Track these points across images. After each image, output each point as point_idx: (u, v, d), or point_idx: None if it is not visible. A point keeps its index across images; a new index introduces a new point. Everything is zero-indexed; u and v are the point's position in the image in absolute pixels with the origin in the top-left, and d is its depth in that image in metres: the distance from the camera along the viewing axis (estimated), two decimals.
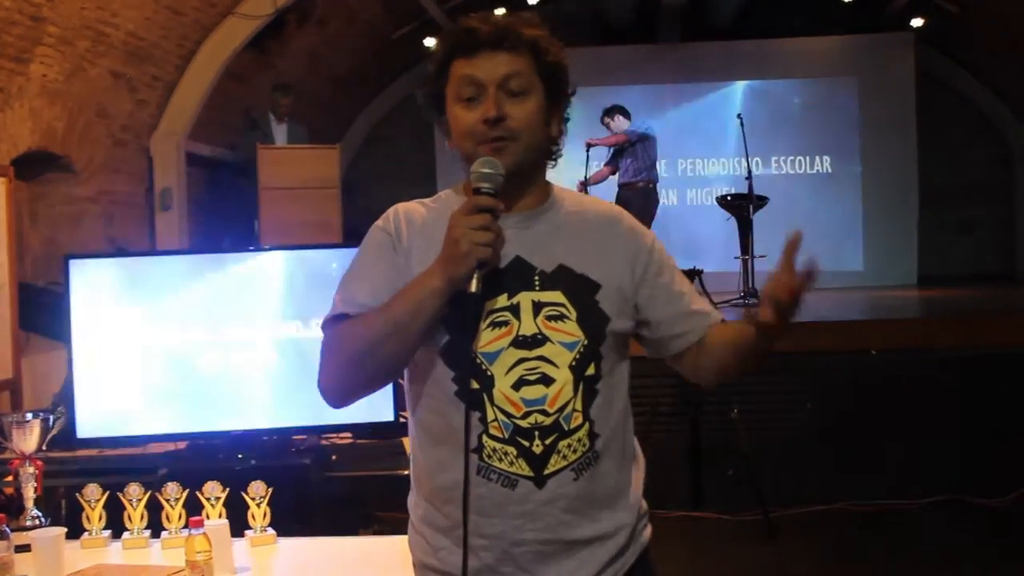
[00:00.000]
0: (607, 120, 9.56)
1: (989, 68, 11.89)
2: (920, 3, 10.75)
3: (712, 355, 2.02)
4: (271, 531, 2.90)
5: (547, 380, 1.88)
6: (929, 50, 11.83)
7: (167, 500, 2.89)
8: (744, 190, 9.03)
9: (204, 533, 2.46)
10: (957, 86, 12.29)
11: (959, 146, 12.32)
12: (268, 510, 2.90)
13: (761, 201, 8.99)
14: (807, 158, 11.70)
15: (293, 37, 9.78)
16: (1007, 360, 6.50)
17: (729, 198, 9.24)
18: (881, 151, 11.57)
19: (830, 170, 11.70)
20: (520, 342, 1.89)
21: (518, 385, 1.88)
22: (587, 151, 9.52)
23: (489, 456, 1.88)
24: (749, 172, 9.06)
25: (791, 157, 11.69)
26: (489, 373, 1.88)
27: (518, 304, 1.90)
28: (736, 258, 9.02)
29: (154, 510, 2.92)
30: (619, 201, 9.30)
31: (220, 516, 2.81)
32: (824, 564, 5.42)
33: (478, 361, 1.88)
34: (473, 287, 1.80)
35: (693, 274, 6.57)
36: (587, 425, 1.91)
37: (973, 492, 6.19)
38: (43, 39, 6.41)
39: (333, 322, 1.95)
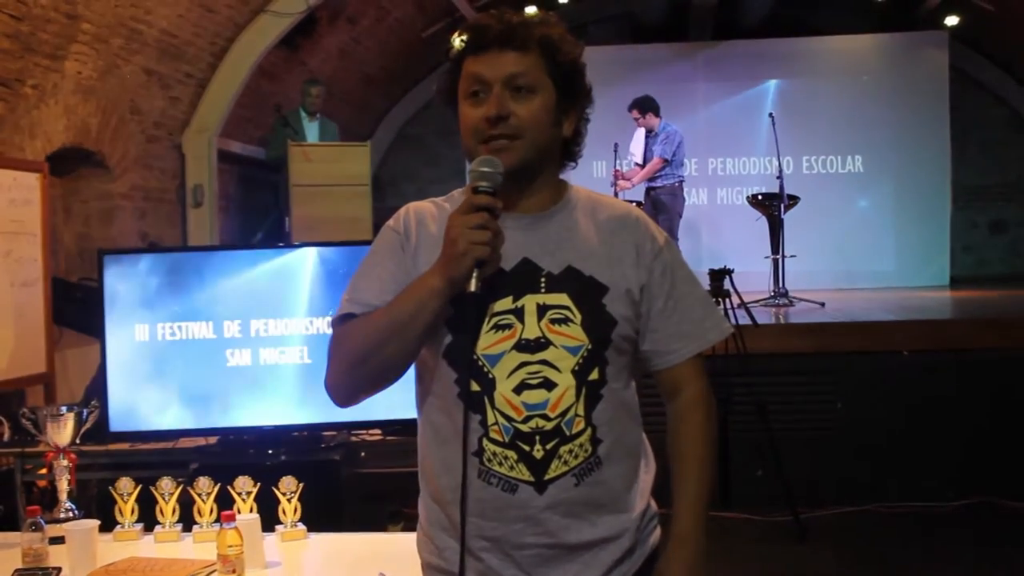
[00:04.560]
0: (637, 115, 9.50)
1: None
2: (955, 1, 10.65)
3: (673, 437, 2.03)
4: (301, 526, 2.92)
5: (549, 384, 1.86)
6: (963, 48, 11.71)
7: (199, 494, 2.91)
8: (775, 189, 8.98)
9: (235, 527, 2.49)
10: (991, 85, 12.17)
11: (993, 145, 12.20)
12: (299, 505, 2.92)
13: (792, 200, 8.94)
14: (838, 157, 11.60)
15: (324, 35, 9.81)
16: None
17: (760, 197, 9.18)
18: (913, 150, 11.45)
19: (862, 169, 11.60)
20: (523, 345, 1.87)
21: (519, 389, 1.86)
22: (615, 150, 9.50)
23: (489, 460, 1.87)
24: (780, 171, 9.01)
25: (822, 156, 11.59)
26: (491, 376, 1.87)
27: (522, 307, 1.88)
28: (766, 258, 8.98)
29: (186, 504, 2.94)
30: (649, 202, 9.29)
31: (251, 511, 2.83)
32: (855, 566, 5.39)
33: (479, 363, 1.87)
34: (473, 287, 1.78)
35: (724, 273, 6.52)
36: (589, 431, 1.88)
37: (1005, 495, 6.14)
38: (78, 36, 6.47)
39: (340, 321, 1.95)
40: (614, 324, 1.90)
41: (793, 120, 10.86)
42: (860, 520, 6.04)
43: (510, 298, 1.88)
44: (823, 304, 8.54)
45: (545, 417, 1.86)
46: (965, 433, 6.32)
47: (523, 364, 1.86)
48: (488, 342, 1.87)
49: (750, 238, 9.73)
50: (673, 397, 2.03)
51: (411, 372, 1.98)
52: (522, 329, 1.87)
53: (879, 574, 5.31)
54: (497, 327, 1.87)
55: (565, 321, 1.88)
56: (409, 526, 4.05)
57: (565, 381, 1.87)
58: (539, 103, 1.89)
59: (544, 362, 1.86)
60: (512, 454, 1.86)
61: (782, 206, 8.88)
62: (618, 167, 9.63)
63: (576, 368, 1.87)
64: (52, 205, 6.30)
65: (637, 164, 9.70)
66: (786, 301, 8.67)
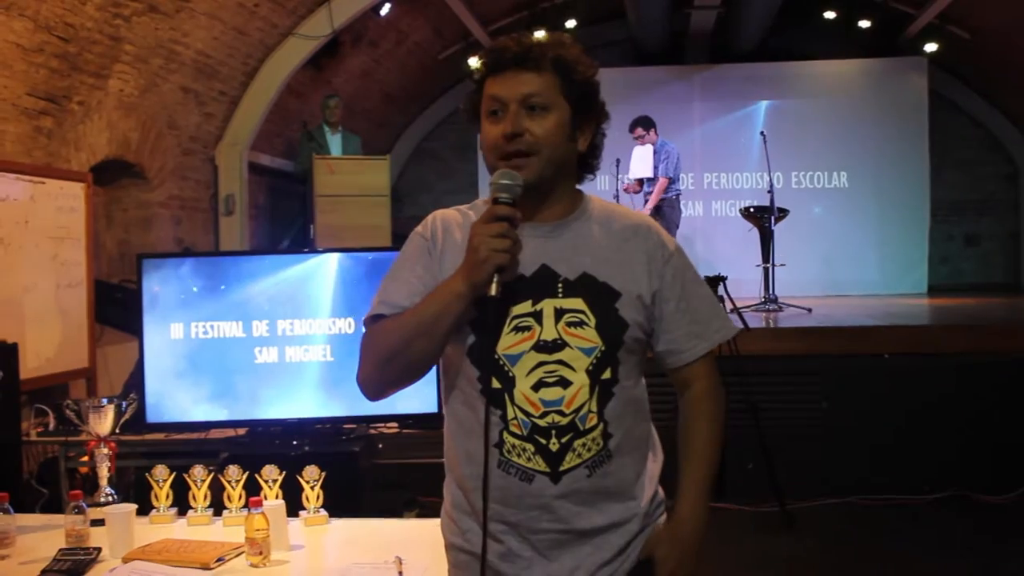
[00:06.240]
0: (641, 132, 9.49)
1: (998, 91, 11.76)
2: (933, 29, 10.66)
3: (683, 424, 2.05)
4: (323, 512, 2.92)
5: (565, 383, 1.87)
6: (941, 73, 11.71)
7: (228, 481, 2.91)
8: (766, 203, 8.96)
9: (262, 512, 2.50)
10: (968, 107, 12.16)
11: (969, 164, 12.19)
12: (321, 492, 2.92)
13: (782, 213, 8.93)
14: (825, 173, 11.60)
15: (347, 56, 9.83)
16: (1011, 366, 6.41)
17: (752, 210, 9.16)
18: (895, 167, 11.44)
19: (847, 185, 11.59)
20: (541, 346, 1.87)
21: (537, 386, 1.86)
22: (617, 165, 9.49)
23: (509, 452, 1.88)
24: (771, 186, 9.00)
25: (810, 172, 11.59)
26: (511, 374, 1.87)
27: (541, 310, 1.88)
28: (757, 266, 8.96)
29: (216, 490, 2.95)
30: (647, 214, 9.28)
31: (277, 497, 2.83)
32: (837, 553, 5.37)
33: (500, 362, 1.87)
34: (493, 291, 1.79)
35: (718, 280, 6.52)
36: (602, 426, 1.89)
37: (978, 489, 6.12)
38: (121, 57, 6.49)
39: (371, 321, 1.95)
40: (626, 327, 1.90)
41: (783, 138, 10.86)
42: (842, 511, 6.02)
43: (529, 302, 1.88)
44: (810, 310, 8.52)
45: (561, 413, 1.87)
46: (940, 431, 6.29)
47: (541, 363, 1.87)
48: (509, 342, 1.87)
49: (742, 248, 9.72)
50: (686, 390, 2.05)
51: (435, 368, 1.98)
52: (540, 331, 1.88)
53: (859, 560, 5.30)
54: (517, 329, 1.88)
55: (580, 324, 1.88)
56: (423, 514, 4.06)
57: (580, 380, 1.87)
58: (553, 120, 1.89)
59: (560, 362, 1.87)
60: (530, 446, 1.87)
61: (772, 218, 8.87)
62: (621, 185, 9.61)
63: (590, 368, 1.88)
64: (95, 212, 6.32)
65: (638, 179, 9.66)
66: (775, 307, 8.65)
